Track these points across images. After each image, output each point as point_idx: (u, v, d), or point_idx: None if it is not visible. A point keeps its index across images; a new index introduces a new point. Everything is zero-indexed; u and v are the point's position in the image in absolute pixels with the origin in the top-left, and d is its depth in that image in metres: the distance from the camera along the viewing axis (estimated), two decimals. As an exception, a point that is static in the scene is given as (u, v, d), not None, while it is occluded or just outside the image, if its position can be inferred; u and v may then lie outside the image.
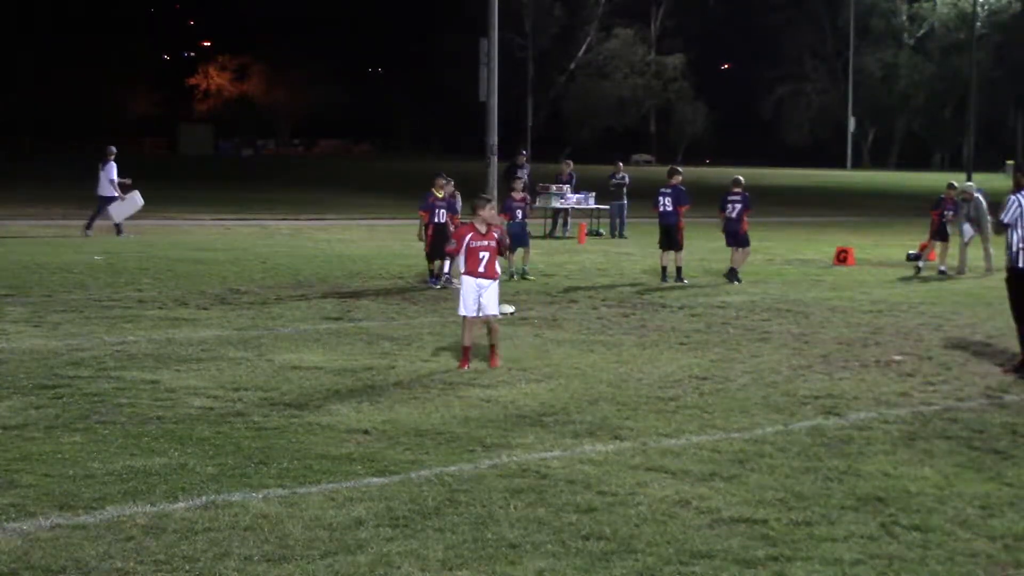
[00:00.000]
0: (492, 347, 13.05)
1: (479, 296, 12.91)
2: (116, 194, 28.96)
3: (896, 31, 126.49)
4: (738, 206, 22.07)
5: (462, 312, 12.98)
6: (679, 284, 21.34)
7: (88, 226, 28.84)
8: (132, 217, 29.53)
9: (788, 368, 13.23)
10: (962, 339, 15.59)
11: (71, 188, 48.63)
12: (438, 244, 19.77)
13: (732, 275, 21.82)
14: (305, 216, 37.33)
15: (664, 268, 21.95)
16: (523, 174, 32.69)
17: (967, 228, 24.62)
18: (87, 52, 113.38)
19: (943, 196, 24.93)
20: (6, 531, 7.28)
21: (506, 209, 22.24)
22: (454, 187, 21.23)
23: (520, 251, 21.72)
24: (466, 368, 12.71)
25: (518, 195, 22.48)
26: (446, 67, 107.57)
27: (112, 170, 28.97)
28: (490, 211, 13.29)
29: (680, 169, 23.25)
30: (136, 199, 29.13)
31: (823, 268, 24.96)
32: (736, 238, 22.05)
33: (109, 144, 31.59)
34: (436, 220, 20.56)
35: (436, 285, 20.07)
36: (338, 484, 8.35)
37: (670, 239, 21.89)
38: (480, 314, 12.94)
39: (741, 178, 22.58)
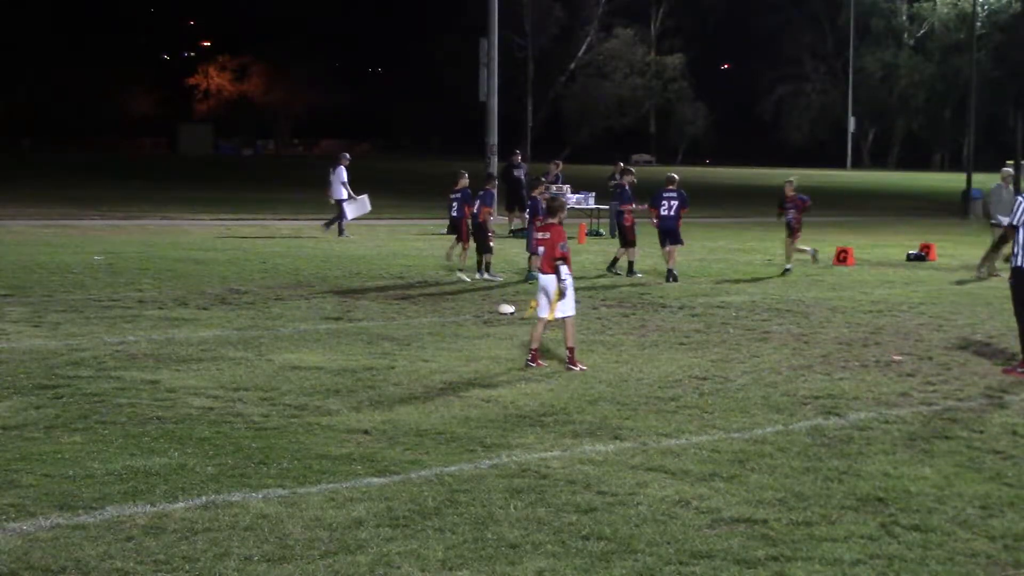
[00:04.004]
0: (536, 348, 13.22)
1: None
2: (346, 196, 30.13)
3: (896, 31, 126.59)
4: (674, 203, 22.13)
5: (573, 312, 13.19)
6: (633, 279, 21.99)
7: (329, 225, 30.43)
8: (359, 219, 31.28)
9: (788, 368, 13.23)
10: (962, 339, 15.58)
11: (70, 188, 48.69)
12: (481, 237, 21.58)
13: (671, 275, 21.68)
14: (305, 216, 37.28)
15: (614, 260, 22.98)
16: (520, 174, 32.82)
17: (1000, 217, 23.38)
18: (87, 52, 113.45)
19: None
20: (6, 531, 7.28)
21: (540, 211, 22.33)
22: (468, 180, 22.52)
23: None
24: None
25: (547, 195, 22.71)
26: (446, 67, 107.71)
27: (343, 173, 30.07)
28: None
29: (632, 170, 24.00)
30: (366, 201, 30.63)
31: (823, 268, 24.94)
32: (672, 236, 22.01)
33: (343, 153, 32.56)
34: (454, 215, 22.12)
35: (498, 277, 21.38)
36: (338, 484, 8.35)
37: (622, 235, 22.89)
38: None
39: (675, 175, 23.03)
